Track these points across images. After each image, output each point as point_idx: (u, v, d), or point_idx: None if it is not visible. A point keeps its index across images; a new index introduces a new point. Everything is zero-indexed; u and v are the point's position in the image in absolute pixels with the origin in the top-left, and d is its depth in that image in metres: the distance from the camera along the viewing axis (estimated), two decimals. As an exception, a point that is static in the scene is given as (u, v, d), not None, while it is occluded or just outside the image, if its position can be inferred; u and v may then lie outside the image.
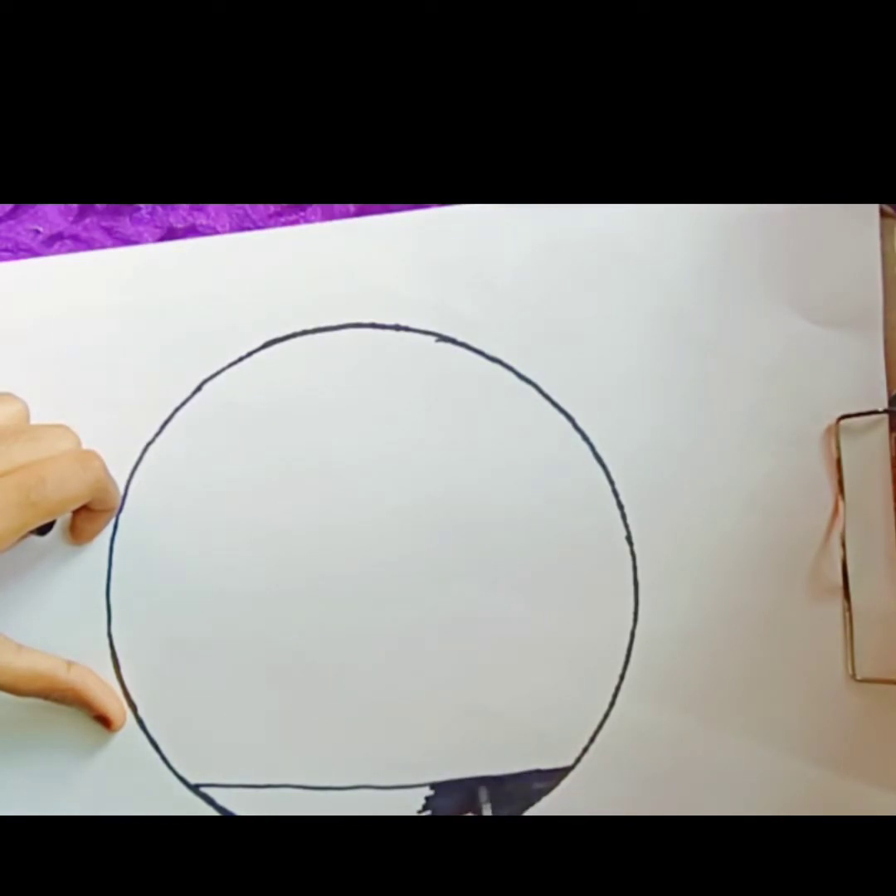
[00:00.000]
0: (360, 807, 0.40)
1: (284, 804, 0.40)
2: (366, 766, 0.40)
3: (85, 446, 0.38)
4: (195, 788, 0.41)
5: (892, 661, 0.40)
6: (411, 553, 0.41)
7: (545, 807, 0.41)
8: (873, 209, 0.40)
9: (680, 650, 0.40)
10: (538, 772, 0.40)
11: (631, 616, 0.41)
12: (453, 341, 0.41)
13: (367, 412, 0.41)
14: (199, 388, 0.41)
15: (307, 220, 0.42)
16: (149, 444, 0.41)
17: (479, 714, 0.41)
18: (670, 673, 0.40)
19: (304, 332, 0.41)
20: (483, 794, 0.40)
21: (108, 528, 0.41)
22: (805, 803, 0.40)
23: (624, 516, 0.41)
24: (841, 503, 0.40)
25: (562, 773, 0.40)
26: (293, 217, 0.42)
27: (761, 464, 0.41)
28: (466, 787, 0.40)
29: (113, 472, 0.39)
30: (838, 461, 0.40)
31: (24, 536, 0.36)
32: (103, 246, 0.42)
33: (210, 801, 0.41)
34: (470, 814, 0.40)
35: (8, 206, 0.42)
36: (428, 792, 0.40)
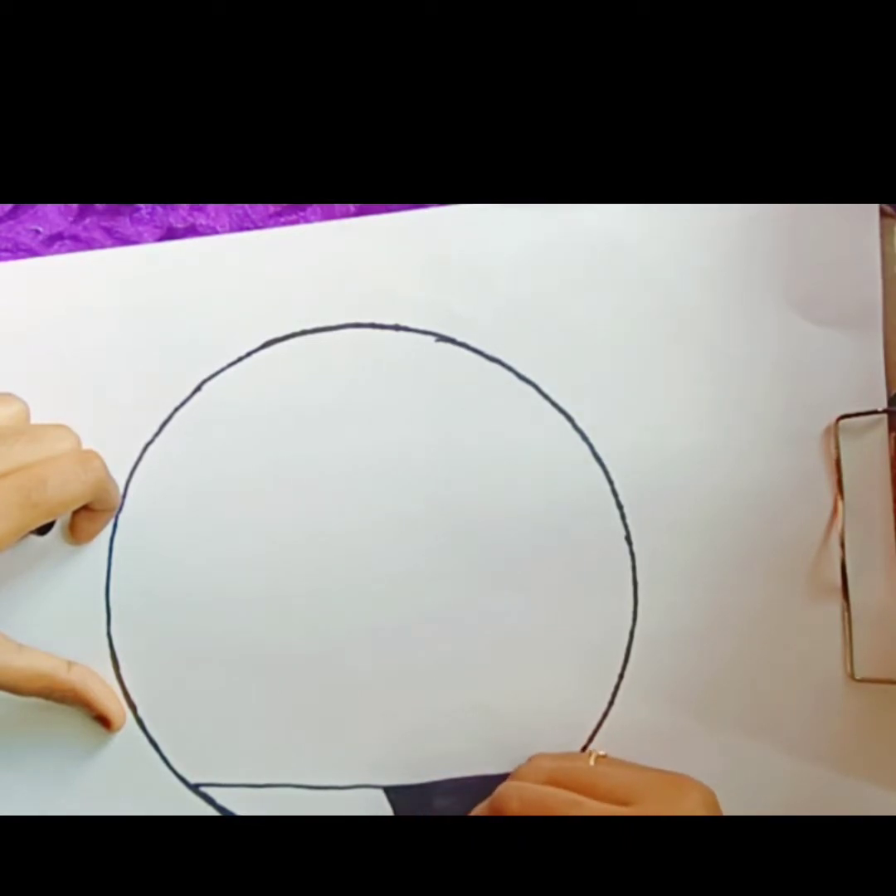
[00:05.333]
0: (360, 807, 0.40)
1: (284, 804, 0.40)
2: (366, 765, 0.41)
3: (85, 446, 0.38)
4: (195, 788, 0.41)
5: (890, 660, 0.40)
6: (410, 552, 0.41)
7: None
8: (873, 209, 0.40)
9: (679, 649, 0.41)
10: (538, 771, 0.40)
11: (630, 615, 0.41)
12: (453, 341, 0.41)
13: (367, 412, 0.41)
14: (198, 389, 0.41)
15: (307, 220, 0.42)
16: (148, 444, 0.41)
17: (479, 713, 0.41)
18: (669, 672, 0.40)
19: (304, 332, 0.41)
20: (482, 793, 0.40)
21: (108, 528, 0.41)
22: (804, 803, 0.40)
23: (623, 516, 0.41)
24: (840, 503, 0.40)
25: (561, 772, 0.40)
26: (293, 217, 0.42)
27: (761, 463, 0.41)
28: (466, 787, 0.40)
29: (113, 472, 0.39)
30: (837, 461, 0.40)
31: (24, 536, 0.36)
32: (103, 246, 0.42)
33: (210, 801, 0.41)
34: (469, 813, 0.40)
35: (8, 206, 0.42)
36: (428, 791, 0.41)
